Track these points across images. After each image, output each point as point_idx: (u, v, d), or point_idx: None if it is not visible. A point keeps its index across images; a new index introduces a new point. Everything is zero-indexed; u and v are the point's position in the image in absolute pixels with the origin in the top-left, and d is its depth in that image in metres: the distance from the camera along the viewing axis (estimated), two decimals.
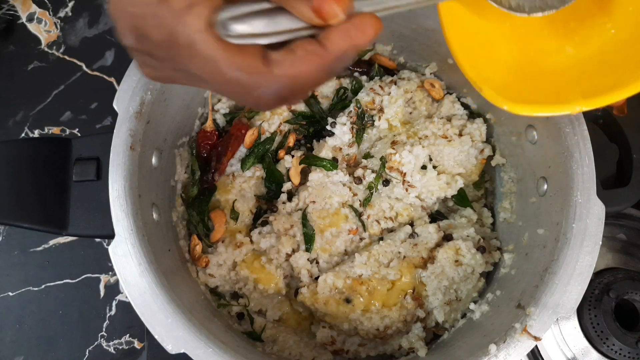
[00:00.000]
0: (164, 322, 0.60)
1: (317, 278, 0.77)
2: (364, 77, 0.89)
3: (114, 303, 0.95)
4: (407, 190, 0.80)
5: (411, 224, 0.81)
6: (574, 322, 0.81)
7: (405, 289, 0.77)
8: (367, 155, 0.84)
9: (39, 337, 0.93)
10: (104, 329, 0.93)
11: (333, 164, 0.82)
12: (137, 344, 0.93)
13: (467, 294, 0.77)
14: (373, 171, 0.81)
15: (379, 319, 0.76)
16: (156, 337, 0.59)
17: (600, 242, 0.64)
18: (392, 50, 0.89)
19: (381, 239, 0.80)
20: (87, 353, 0.92)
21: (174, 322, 0.60)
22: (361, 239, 0.81)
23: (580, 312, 0.80)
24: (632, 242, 0.89)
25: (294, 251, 0.78)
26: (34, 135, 1.03)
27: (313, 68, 0.41)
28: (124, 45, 0.44)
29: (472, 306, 0.75)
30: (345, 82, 0.88)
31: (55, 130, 1.03)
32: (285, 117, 0.85)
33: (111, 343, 0.93)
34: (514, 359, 0.62)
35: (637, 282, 0.79)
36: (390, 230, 0.82)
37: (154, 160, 0.71)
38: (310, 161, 0.82)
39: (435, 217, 0.85)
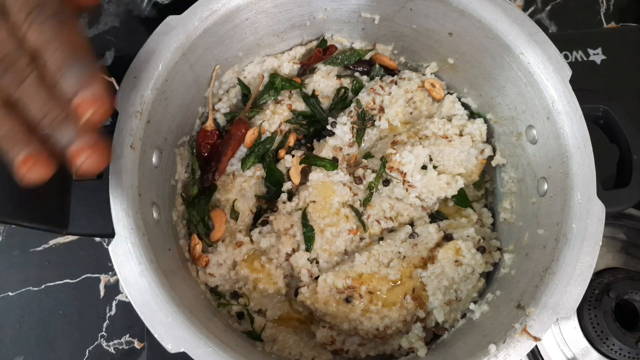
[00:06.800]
0: (164, 322, 0.60)
1: (317, 278, 0.77)
2: (364, 77, 0.89)
3: (114, 303, 0.94)
4: (407, 190, 0.80)
5: (411, 224, 0.81)
6: (574, 322, 0.81)
7: (405, 289, 0.77)
8: (368, 155, 0.84)
9: (39, 337, 0.93)
10: (104, 329, 0.93)
11: (333, 163, 0.82)
12: (137, 344, 0.93)
13: (467, 294, 0.77)
14: (373, 171, 0.81)
15: (378, 319, 0.76)
16: (156, 336, 0.59)
17: (601, 243, 0.64)
18: (392, 50, 0.89)
19: (381, 239, 0.80)
20: (87, 353, 0.92)
21: (174, 322, 0.60)
22: (361, 239, 0.81)
23: (580, 312, 0.80)
24: (632, 242, 0.89)
25: (294, 251, 0.78)
26: None
27: None
28: None
29: (472, 306, 0.75)
30: (346, 82, 0.88)
31: None
32: (286, 116, 0.85)
33: (111, 343, 0.93)
34: (514, 359, 0.62)
35: (637, 282, 0.79)
36: (391, 230, 0.82)
37: (154, 159, 0.71)
38: (310, 161, 0.82)
39: (435, 217, 0.85)
